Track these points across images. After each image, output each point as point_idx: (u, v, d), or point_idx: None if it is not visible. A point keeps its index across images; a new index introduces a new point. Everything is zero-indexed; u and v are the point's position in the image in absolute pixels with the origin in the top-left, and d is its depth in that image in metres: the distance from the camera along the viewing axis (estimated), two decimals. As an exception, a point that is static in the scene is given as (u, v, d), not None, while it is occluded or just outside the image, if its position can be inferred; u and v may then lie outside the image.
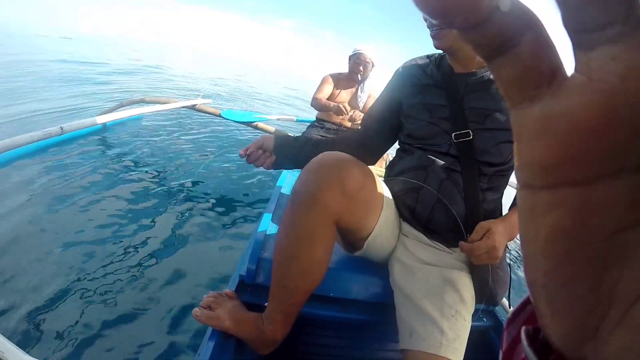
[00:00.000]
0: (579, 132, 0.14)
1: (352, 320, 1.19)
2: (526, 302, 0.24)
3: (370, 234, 1.08)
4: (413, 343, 0.97)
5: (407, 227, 1.17)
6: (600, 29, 0.14)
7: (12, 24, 12.43)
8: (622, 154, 0.14)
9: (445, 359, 0.94)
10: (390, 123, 1.25)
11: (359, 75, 3.09)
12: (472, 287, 1.08)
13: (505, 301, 1.65)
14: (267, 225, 1.31)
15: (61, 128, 2.32)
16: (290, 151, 1.23)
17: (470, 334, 1.24)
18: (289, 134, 3.07)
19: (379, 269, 1.19)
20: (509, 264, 1.18)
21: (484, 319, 1.28)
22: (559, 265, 0.16)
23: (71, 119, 3.50)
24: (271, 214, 1.40)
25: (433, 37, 1.07)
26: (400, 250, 1.15)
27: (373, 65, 3.06)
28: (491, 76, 1.06)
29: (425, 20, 0.99)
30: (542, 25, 0.16)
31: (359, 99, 3.16)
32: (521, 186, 0.17)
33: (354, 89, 3.22)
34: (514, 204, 1.13)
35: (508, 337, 0.25)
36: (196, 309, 1.00)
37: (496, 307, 1.30)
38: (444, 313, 0.99)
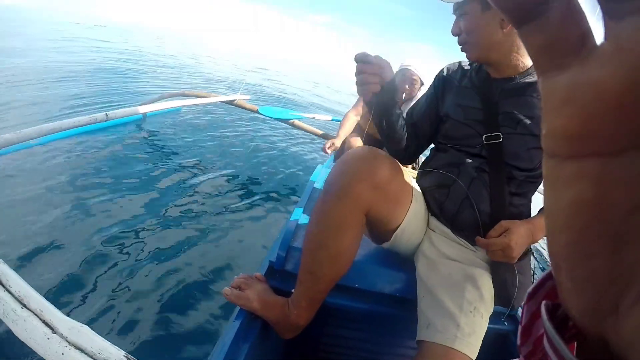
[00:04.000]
0: (606, 103, 0.14)
1: (374, 313, 1.20)
2: (547, 278, 0.24)
3: (398, 226, 1.10)
4: (429, 335, 0.98)
5: (434, 221, 1.19)
6: None
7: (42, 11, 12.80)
8: None
9: (458, 352, 0.94)
10: (430, 123, 1.27)
11: (403, 95, 2.55)
12: (492, 287, 1.08)
13: None
14: (299, 215, 1.34)
15: (106, 115, 2.40)
16: (390, 103, 1.13)
17: (491, 336, 1.22)
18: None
19: (405, 263, 1.20)
20: (533, 271, 1.18)
21: (506, 323, 1.27)
22: (579, 239, 0.16)
23: (112, 108, 3.62)
24: (303, 207, 1.44)
25: (462, 50, 1.13)
26: (427, 244, 1.16)
27: (422, 84, 2.57)
28: (527, 81, 1.08)
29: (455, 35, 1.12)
30: None
31: None
32: (547, 156, 0.17)
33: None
34: (541, 210, 1.12)
35: (528, 312, 0.25)
36: (227, 288, 1.04)
37: (517, 312, 1.28)
38: (463, 308, 1.00)
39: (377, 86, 1.06)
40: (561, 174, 0.16)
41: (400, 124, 1.19)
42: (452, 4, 1.10)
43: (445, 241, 1.15)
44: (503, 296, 1.08)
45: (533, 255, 1.17)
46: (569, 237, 0.17)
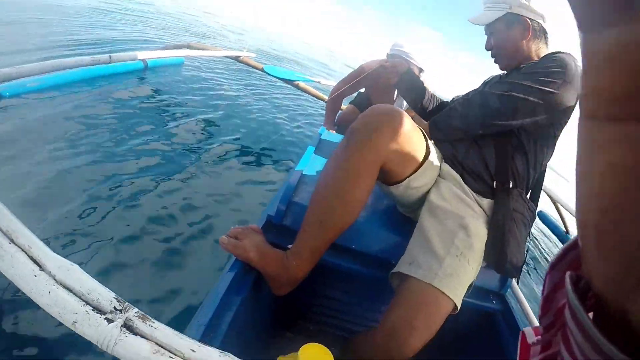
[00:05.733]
0: None
1: (368, 277, 1.21)
2: (569, 248, 0.24)
3: (412, 174, 1.14)
4: (410, 269, 1.04)
5: (446, 167, 1.27)
6: None
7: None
8: None
9: (436, 290, 0.99)
10: None
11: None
12: (485, 241, 1.13)
13: (516, 286, 1.69)
14: (301, 172, 1.35)
15: (109, 57, 2.35)
16: (416, 86, 1.50)
17: (479, 316, 1.29)
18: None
19: (405, 227, 1.22)
20: (528, 246, 1.24)
21: (494, 302, 1.29)
22: (613, 205, 0.16)
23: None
24: (305, 165, 1.44)
25: (495, 62, 1.39)
26: (433, 191, 1.21)
27: (421, 71, 2.33)
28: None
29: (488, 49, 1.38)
30: None
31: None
32: (585, 117, 0.17)
33: (392, 96, 2.62)
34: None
35: (550, 282, 0.25)
36: (223, 236, 1.03)
37: (507, 293, 1.32)
38: (450, 251, 1.05)
39: (396, 77, 1.48)
40: (599, 136, 0.16)
41: (428, 97, 1.50)
42: (483, 27, 1.35)
43: (452, 191, 1.20)
44: (493, 253, 1.12)
45: (529, 232, 1.23)
46: (602, 202, 0.16)
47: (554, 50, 1.25)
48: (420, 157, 1.14)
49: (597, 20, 0.15)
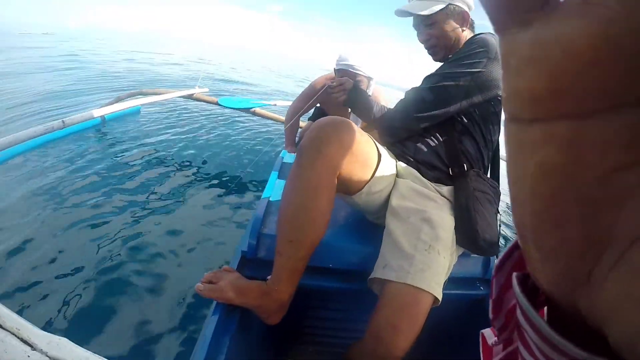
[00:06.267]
0: (574, 61, 0.13)
1: (352, 291, 1.23)
2: (513, 248, 0.23)
3: (369, 180, 1.17)
4: (384, 273, 1.07)
5: (401, 166, 1.30)
6: None
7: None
8: (621, 85, 0.13)
9: (411, 287, 1.02)
10: None
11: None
12: (452, 227, 1.16)
13: None
14: (266, 201, 1.34)
15: (63, 122, 2.32)
16: (362, 100, 1.48)
17: (468, 302, 1.31)
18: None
19: (375, 238, 1.22)
20: (500, 224, 1.27)
21: (481, 287, 1.31)
22: (548, 206, 0.16)
23: (68, 114, 3.54)
24: (270, 193, 1.44)
25: (431, 53, 1.41)
26: (394, 193, 1.23)
27: (371, 80, 2.18)
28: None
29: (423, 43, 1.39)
30: None
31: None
32: (509, 120, 0.16)
33: (348, 108, 2.26)
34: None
35: (497, 285, 0.24)
36: (198, 283, 1.02)
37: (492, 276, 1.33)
38: (417, 247, 1.08)
39: (344, 95, 1.49)
40: (526, 138, 0.16)
41: (377, 108, 1.45)
42: (419, 17, 1.33)
43: (411, 188, 1.23)
44: (464, 235, 1.16)
45: (497, 212, 1.25)
46: (536, 206, 0.16)
47: (475, 33, 1.34)
48: (374, 162, 1.17)
49: (514, 20, 0.15)
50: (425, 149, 1.29)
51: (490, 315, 0.26)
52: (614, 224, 0.14)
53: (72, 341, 0.65)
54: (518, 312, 0.20)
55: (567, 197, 0.15)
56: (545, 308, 0.20)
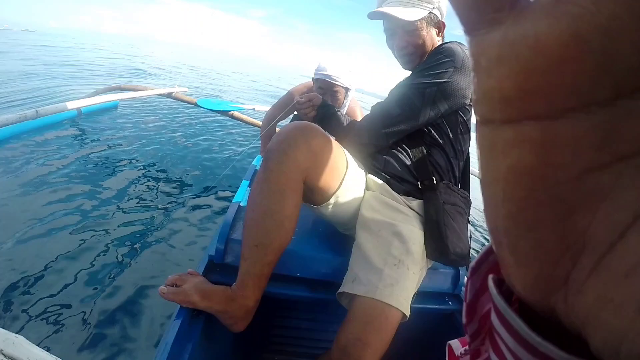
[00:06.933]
0: (544, 60, 0.13)
1: (320, 301, 1.21)
2: (489, 251, 0.23)
3: (337, 190, 1.16)
4: (353, 287, 1.05)
5: (371, 178, 1.30)
6: None
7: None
8: (592, 85, 0.13)
9: (379, 302, 1.00)
10: None
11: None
12: (422, 241, 1.16)
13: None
14: (236, 207, 1.33)
15: (36, 111, 2.29)
16: (331, 116, 1.42)
17: (437, 316, 1.31)
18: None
19: (345, 249, 1.22)
20: (470, 234, 1.27)
21: (450, 303, 1.31)
22: (521, 209, 0.15)
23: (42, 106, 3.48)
24: (240, 199, 1.43)
25: (405, 61, 1.35)
26: (364, 206, 1.23)
27: (349, 90, 2.10)
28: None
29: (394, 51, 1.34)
30: None
31: None
32: (480, 122, 0.16)
33: None
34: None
35: (472, 288, 0.24)
36: (161, 286, 0.99)
37: (461, 292, 1.32)
38: (387, 262, 1.07)
39: (313, 111, 1.43)
40: (497, 140, 0.15)
41: (346, 124, 1.40)
42: (400, 22, 1.25)
43: (380, 200, 1.23)
44: (434, 249, 1.16)
45: (468, 222, 1.26)
46: (508, 209, 0.16)
47: (441, 42, 1.31)
48: (342, 170, 1.16)
49: (483, 19, 0.15)
50: (395, 162, 1.28)
51: (464, 320, 0.25)
52: (589, 227, 0.14)
53: (29, 340, 0.64)
54: (493, 315, 0.19)
55: (540, 199, 0.15)
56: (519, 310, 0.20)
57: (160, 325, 1.54)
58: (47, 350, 0.62)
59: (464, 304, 0.24)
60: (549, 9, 0.13)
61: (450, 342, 0.34)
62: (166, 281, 1.02)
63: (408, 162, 1.27)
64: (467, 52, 0.21)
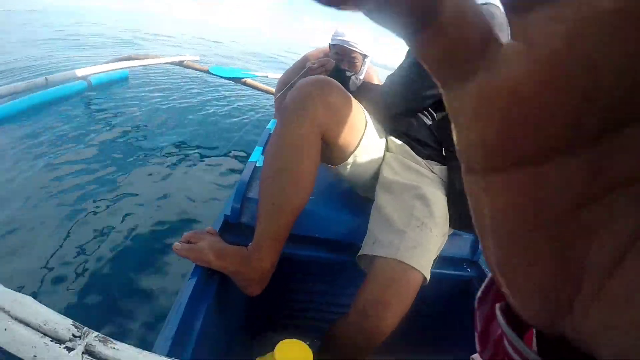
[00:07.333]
0: (523, 106, 0.13)
1: (337, 263, 1.21)
2: (493, 279, 0.22)
3: (356, 149, 1.13)
4: (374, 249, 1.03)
5: (392, 140, 1.27)
6: None
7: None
8: (574, 124, 0.12)
9: (402, 263, 0.98)
10: None
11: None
12: (445, 206, 1.14)
13: None
14: (252, 167, 1.31)
15: (45, 79, 2.27)
16: (343, 81, 1.33)
17: (455, 284, 1.30)
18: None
19: (364, 211, 1.20)
20: None
21: (468, 270, 1.30)
22: (514, 253, 0.15)
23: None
24: (256, 158, 1.41)
25: None
26: (385, 168, 1.21)
27: (366, 57, 2.05)
28: None
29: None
30: None
31: None
32: (465, 171, 0.16)
33: None
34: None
35: (481, 317, 0.24)
36: (176, 243, 0.98)
37: (480, 259, 1.33)
38: (410, 224, 1.04)
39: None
40: (485, 188, 0.15)
41: (360, 85, 1.39)
42: None
43: (402, 163, 1.20)
44: (457, 218, 1.14)
45: None
46: (502, 253, 0.16)
47: None
48: (361, 128, 1.13)
49: (455, 73, 0.14)
50: (419, 126, 1.24)
51: (478, 348, 0.24)
52: (586, 255, 0.14)
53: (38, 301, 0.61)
54: (505, 342, 0.19)
55: (535, 239, 0.15)
56: (534, 332, 0.19)
57: (175, 282, 1.54)
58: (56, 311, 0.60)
59: (476, 334, 0.24)
60: (522, 54, 0.13)
61: (473, 356, 0.32)
62: (182, 237, 1.02)
63: (433, 128, 1.23)
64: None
